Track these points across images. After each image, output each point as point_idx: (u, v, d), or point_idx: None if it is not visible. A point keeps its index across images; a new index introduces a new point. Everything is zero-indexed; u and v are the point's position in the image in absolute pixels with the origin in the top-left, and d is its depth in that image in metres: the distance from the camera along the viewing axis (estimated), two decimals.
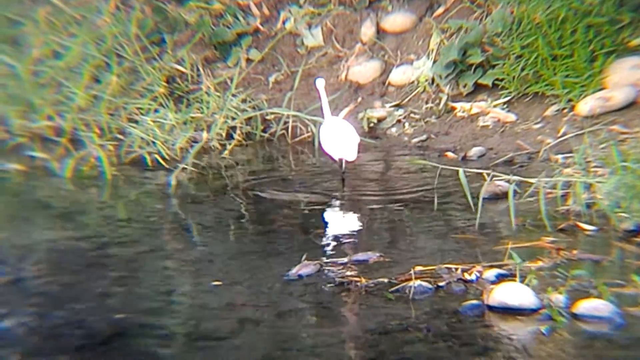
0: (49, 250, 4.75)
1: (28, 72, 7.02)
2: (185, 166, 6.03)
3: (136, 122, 6.84)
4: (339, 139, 5.71)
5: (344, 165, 5.77)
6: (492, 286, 3.87)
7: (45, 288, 4.16)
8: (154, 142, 6.58)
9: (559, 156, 5.79)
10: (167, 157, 6.45)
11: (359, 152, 5.77)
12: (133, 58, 7.22)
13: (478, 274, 4.05)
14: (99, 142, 6.52)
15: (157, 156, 6.44)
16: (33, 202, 5.67)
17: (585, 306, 3.65)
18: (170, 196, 5.73)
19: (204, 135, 6.85)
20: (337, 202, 5.64)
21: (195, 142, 6.77)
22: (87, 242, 4.83)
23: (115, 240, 4.86)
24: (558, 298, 3.71)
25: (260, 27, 7.83)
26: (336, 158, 5.78)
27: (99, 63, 7.17)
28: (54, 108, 6.92)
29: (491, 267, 4.11)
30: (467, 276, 4.04)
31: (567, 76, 6.47)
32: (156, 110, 6.96)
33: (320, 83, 5.93)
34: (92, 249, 4.72)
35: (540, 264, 4.16)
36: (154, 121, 6.78)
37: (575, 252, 4.30)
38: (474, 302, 3.78)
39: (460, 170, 4.96)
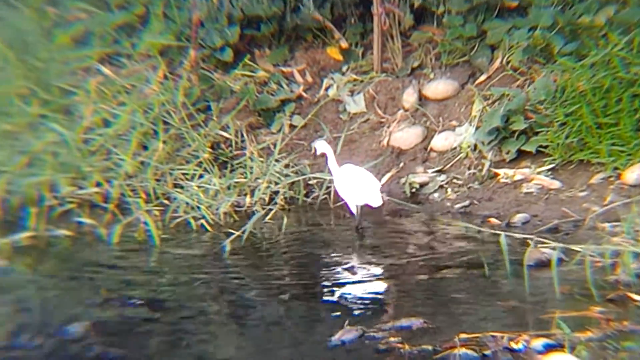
0: (94, 315, 4.76)
1: (79, 140, 7.19)
2: (242, 233, 6.04)
3: (181, 187, 6.95)
4: (359, 184, 5.60)
5: (358, 214, 5.64)
6: (540, 356, 3.79)
7: (87, 354, 4.17)
8: (198, 207, 6.67)
9: (606, 224, 5.70)
10: (211, 221, 6.52)
11: (401, 215, 5.72)
12: (179, 125, 7.38)
13: (525, 344, 3.97)
14: (146, 208, 6.63)
15: (202, 221, 6.52)
16: (81, 267, 5.72)
17: None
18: (216, 260, 5.76)
19: (247, 200, 6.92)
20: (380, 267, 5.61)
21: (239, 206, 6.83)
22: (133, 307, 4.85)
23: (160, 305, 4.88)
24: None
25: (304, 94, 7.96)
26: (354, 206, 5.63)
27: (146, 130, 7.32)
28: (102, 175, 7.05)
29: (539, 336, 4.02)
30: (513, 345, 3.97)
31: (612, 144, 6.42)
32: (201, 176, 7.06)
33: (321, 145, 5.98)
34: (136, 314, 4.74)
35: (589, 334, 4.06)
36: (198, 186, 6.89)
37: (625, 323, 4.20)
38: None
39: (502, 234, 4.91)
